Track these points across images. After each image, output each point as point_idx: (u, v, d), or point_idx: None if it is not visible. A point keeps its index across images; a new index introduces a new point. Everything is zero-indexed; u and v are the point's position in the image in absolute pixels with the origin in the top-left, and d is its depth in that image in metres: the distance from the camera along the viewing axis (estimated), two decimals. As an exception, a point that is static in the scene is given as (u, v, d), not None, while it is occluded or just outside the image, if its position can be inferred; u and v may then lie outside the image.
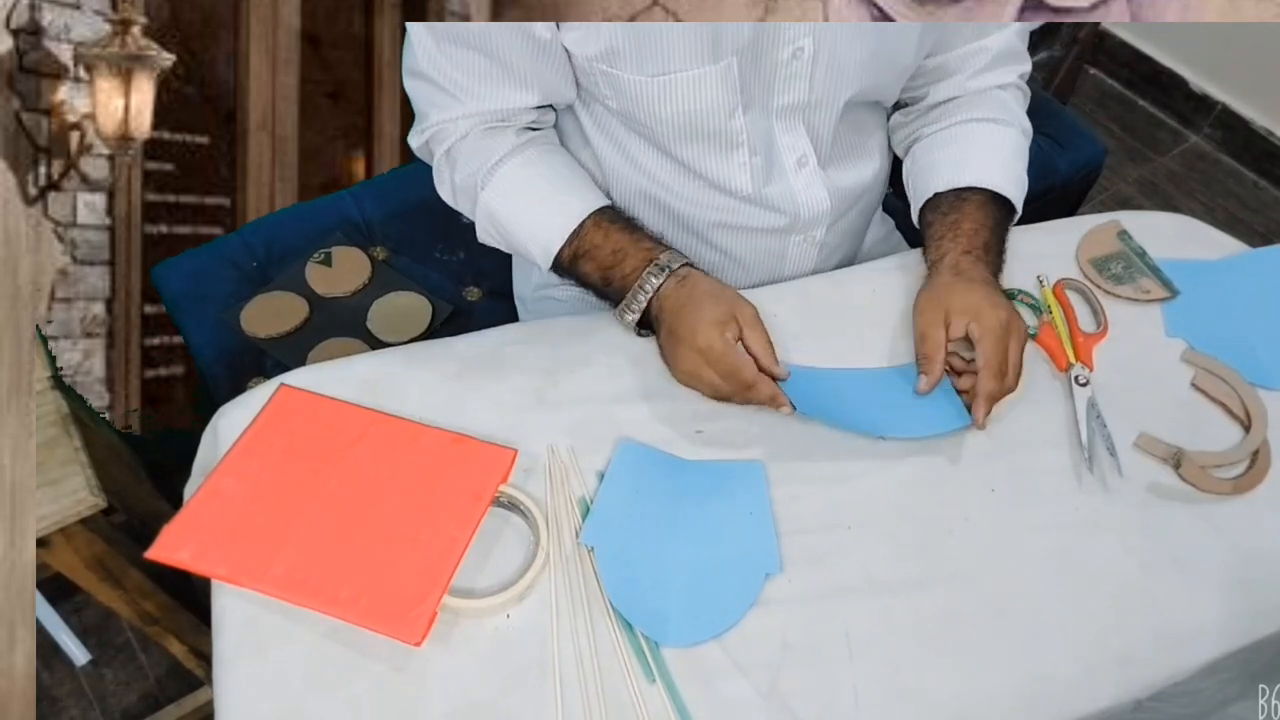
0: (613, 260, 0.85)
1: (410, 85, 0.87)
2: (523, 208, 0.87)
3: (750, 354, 0.80)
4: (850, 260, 1.07)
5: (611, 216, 0.87)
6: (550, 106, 0.91)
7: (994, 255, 0.89)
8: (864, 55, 0.83)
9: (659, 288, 0.82)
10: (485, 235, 0.91)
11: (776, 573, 0.72)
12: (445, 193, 0.91)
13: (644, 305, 0.83)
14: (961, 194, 0.91)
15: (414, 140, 0.91)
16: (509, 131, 0.87)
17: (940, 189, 0.91)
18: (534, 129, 0.90)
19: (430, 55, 0.83)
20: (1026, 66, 0.96)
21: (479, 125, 0.87)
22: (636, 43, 0.77)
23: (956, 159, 0.92)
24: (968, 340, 0.82)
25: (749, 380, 0.79)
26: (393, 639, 0.67)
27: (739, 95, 0.82)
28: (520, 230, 0.87)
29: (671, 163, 0.89)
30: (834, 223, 0.96)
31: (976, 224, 0.89)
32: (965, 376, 0.83)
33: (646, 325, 0.85)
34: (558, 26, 0.78)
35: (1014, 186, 0.91)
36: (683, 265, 0.83)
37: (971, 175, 0.91)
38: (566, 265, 0.87)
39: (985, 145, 0.92)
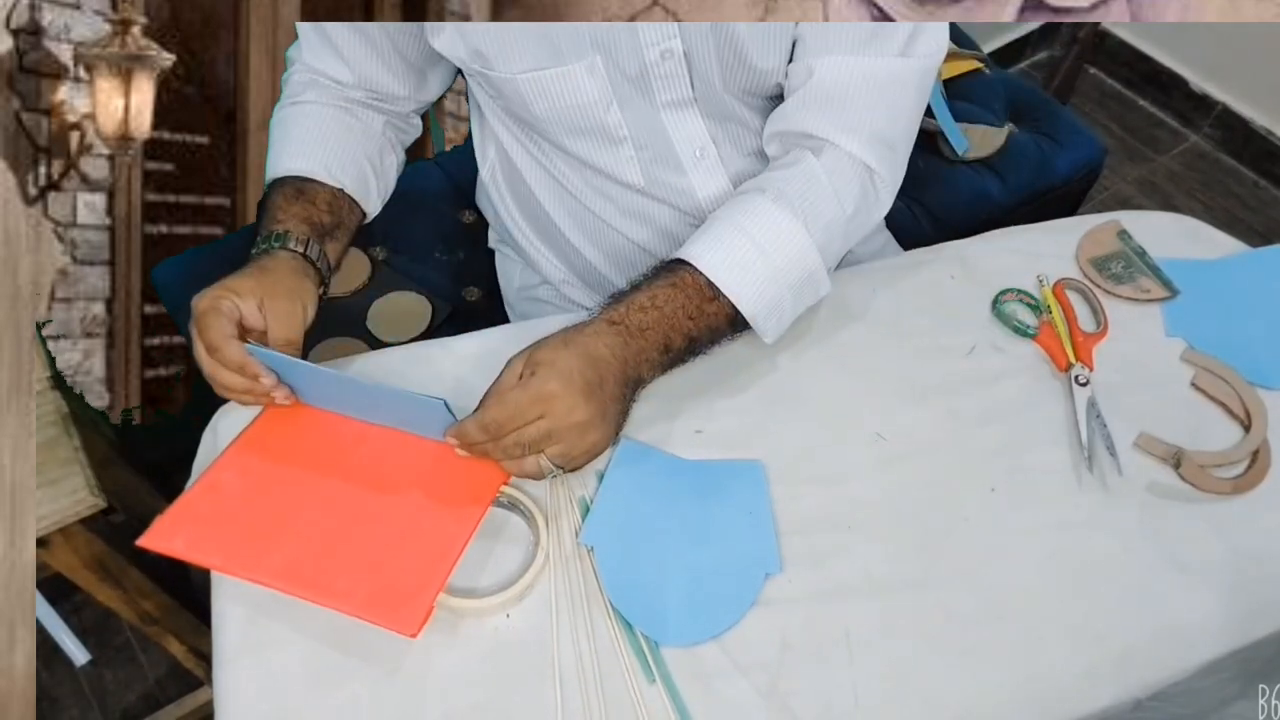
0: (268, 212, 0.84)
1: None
2: (289, 132, 0.87)
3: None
4: (845, 262, 1.06)
5: (296, 185, 0.85)
6: (393, 97, 0.92)
7: (668, 335, 0.75)
8: (727, 61, 0.81)
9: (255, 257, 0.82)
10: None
11: (776, 573, 0.72)
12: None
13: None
14: (676, 264, 0.77)
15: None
16: (313, 90, 0.90)
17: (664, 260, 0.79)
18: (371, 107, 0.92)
19: (305, 28, 0.89)
20: (856, 146, 0.79)
21: (311, 91, 0.89)
22: (500, 43, 0.78)
23: (698, 231, 0.79)
24: None
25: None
26: (388, 630, 0.66)
27: (610, 91, 0.82)
28: (277, 144, 0.88)
29: (567, 156, 0.90)
30: None
31: (675, 292, 0.75)
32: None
33: None
34: (424, 29, 0.81)
35: (735, 275, 0.75)
36: (277, 251, 0.80)
37: (686, 250, 0.77)
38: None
39: (732, 223, 0.77)
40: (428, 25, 0.81)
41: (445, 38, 0.81)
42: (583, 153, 0.88)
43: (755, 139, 0.91)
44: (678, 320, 0.75)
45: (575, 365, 0.70)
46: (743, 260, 0.76)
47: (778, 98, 0.86)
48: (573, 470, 0.73)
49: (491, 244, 1.17)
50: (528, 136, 0.92)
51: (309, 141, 0.86)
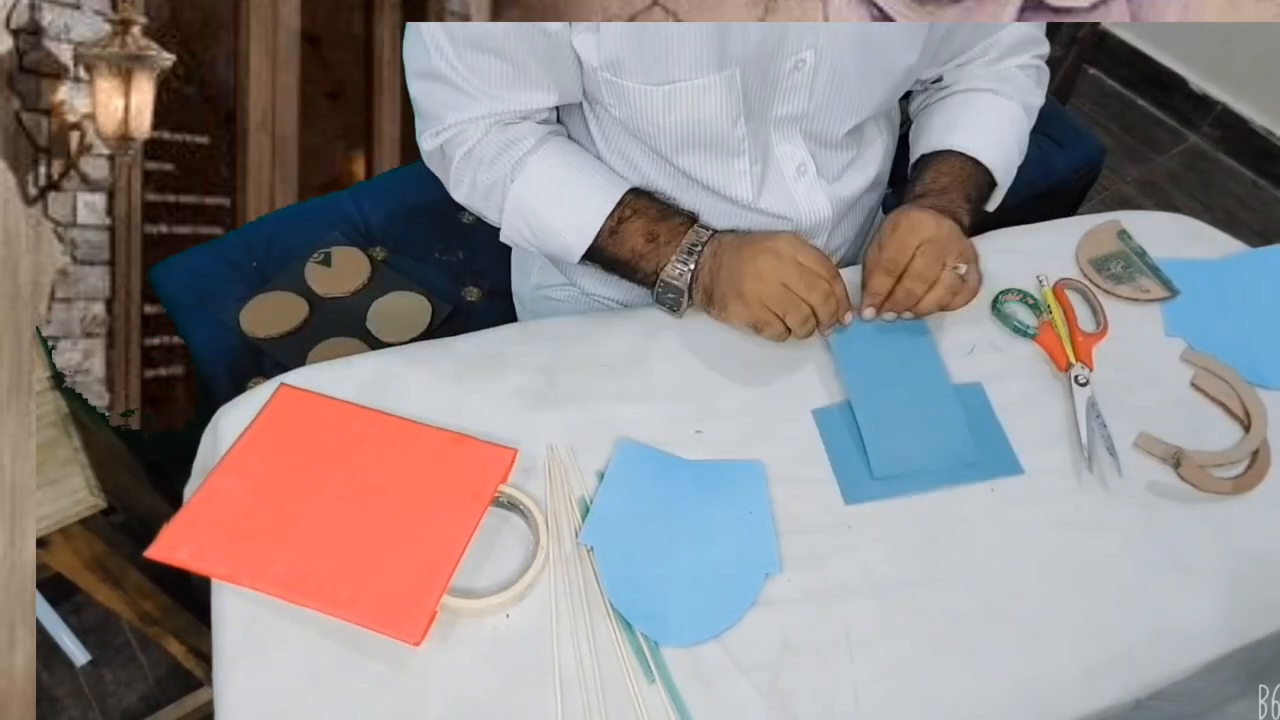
0: (648, 238, 0.85)
1: (421, 87, 0.85)
2: (556, 195, 0.86)
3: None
4: (851, 261, 1.07)
5: (646, 197, 0.87)
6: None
7: (965, 209, 0.89)
8: (864, 68, 0.83)
9: (702, 251, 0.84)
10: (513, 230, 0.89)
11: (776, 572, 0.72)
12: (464, 194, 0.90)
13: (689, 270, 0.84)
14: (945, 157, 0.92)
15: (427, 143, 0.89)
16: (527, 125, 0.87)
17: (925, 152, 0.93)
18: (548, 122, 0.91)
19: (447, 57, 0.81)
20: (1044, 49, 0.97)
21: (497, 123, 0.86)
22: (640, 52, 0.77)
23: (945, 125, 0.93)
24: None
25: (832, 270, 0.82)
26: (392, 638, 0.67)
27: (741, 105, 0.82)
28: (555, 217, 0.86)
29: (674, 171, 0.89)
30: (834, 229, 0.97)
31: (952, 180, 0.90)
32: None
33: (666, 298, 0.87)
34: (570, 27, 0.78)
35: (997, 154, 0.92)
36: (716, 234, 0.85)
37: (950, 141, 0.92)
38: (601, 248, 0.87)
39: (976, 113, 0.93)
40: (573, 25, 0.78)
41: (583, 39, 0.78)
42: (693, 167, 0.87)
43: (849, 159, 0.95)
44: (964, 185, 0.90)
45: (916, 210, 0.83)
46: (994, 136, 0.93)
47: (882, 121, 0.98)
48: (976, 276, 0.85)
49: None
50: (631, 146, 0.90)
51: (602, 166, 0.89)
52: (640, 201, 0.86)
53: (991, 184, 0.93)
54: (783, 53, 0.79)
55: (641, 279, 0.87)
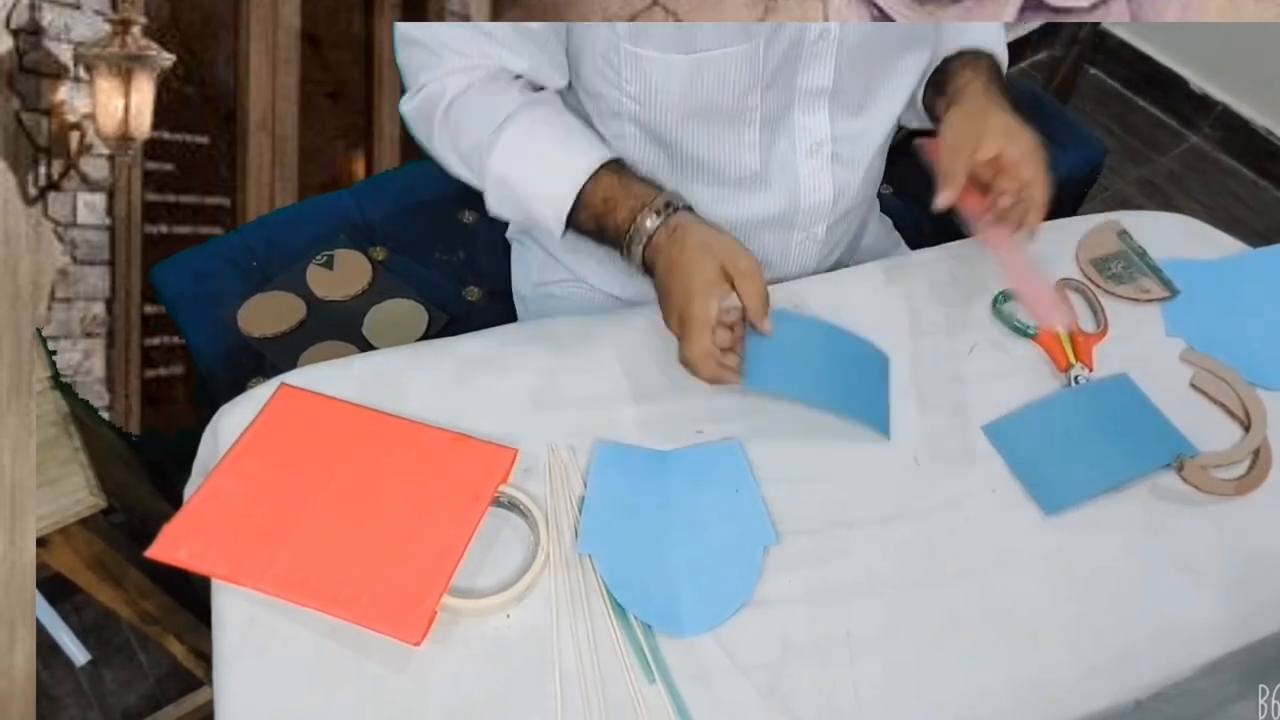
0: (604, 209, 0.81)
1: (402, 53, 0.86)
2: (531, 170, 0.83)
3: (742, 302, 0.77)
4: (848, 260, 1.07)
5: (614, 169, 0.82)
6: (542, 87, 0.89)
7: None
8: (886, 47, 0.85)
9: (651, 235, 0.79)
10: (497, 204, 0.87)
11: (774, 543, 0.73)
12: (450, 159, 0.88)
13: (639, 255, 0.80)
14: (963, 58, 0.92)
15: (406, 104, 0.88)
16: (511, 90, 0.84)
17: (949, 53, 0.93)
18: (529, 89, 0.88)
19: (423, 25, 0.84)
20: None
21: (476, 79, 0.84)
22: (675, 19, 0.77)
23: (960, 34, 0.94)
24: (992, 165, 0.83)
25: (715, 372, 0.76)
26: (393, 639, 0.67)
27: (760, 76, 0.81)
28: (531, 193, 0.83)
29: (673, 157, 0.89)
30: (836, 220, 0.96)
31: (989, 72, 0.90)
32: (982, 201, 0.85)
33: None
34: None
35: (999, 46, 0.95)
36: (676, 211, 0.80)
37: (976, 41, 0.93)
38: (577, 226, 0.84)
39: (979, 29, 0.95)
40: None
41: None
42: (698, 141, 0.86)
43: (866, 153, 0.93)
44: (998, 81, 0.91)
45: (1021, 123, 0.85)
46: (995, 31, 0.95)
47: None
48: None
49: (511, 236, 1.16)
50: (630, 140, 0.89)
51: (581, 137, 0.84)
52: (596, 188, 0.81)
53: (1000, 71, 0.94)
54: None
55: (610, 243, 0.83)
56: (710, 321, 0.75)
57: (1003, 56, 0.95)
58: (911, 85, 0.93)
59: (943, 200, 0.82)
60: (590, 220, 0.82)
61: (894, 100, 0.92)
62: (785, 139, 0.89)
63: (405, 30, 0.85)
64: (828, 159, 0.91)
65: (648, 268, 0.81)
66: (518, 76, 0.85)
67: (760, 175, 0.90)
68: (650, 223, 0.79)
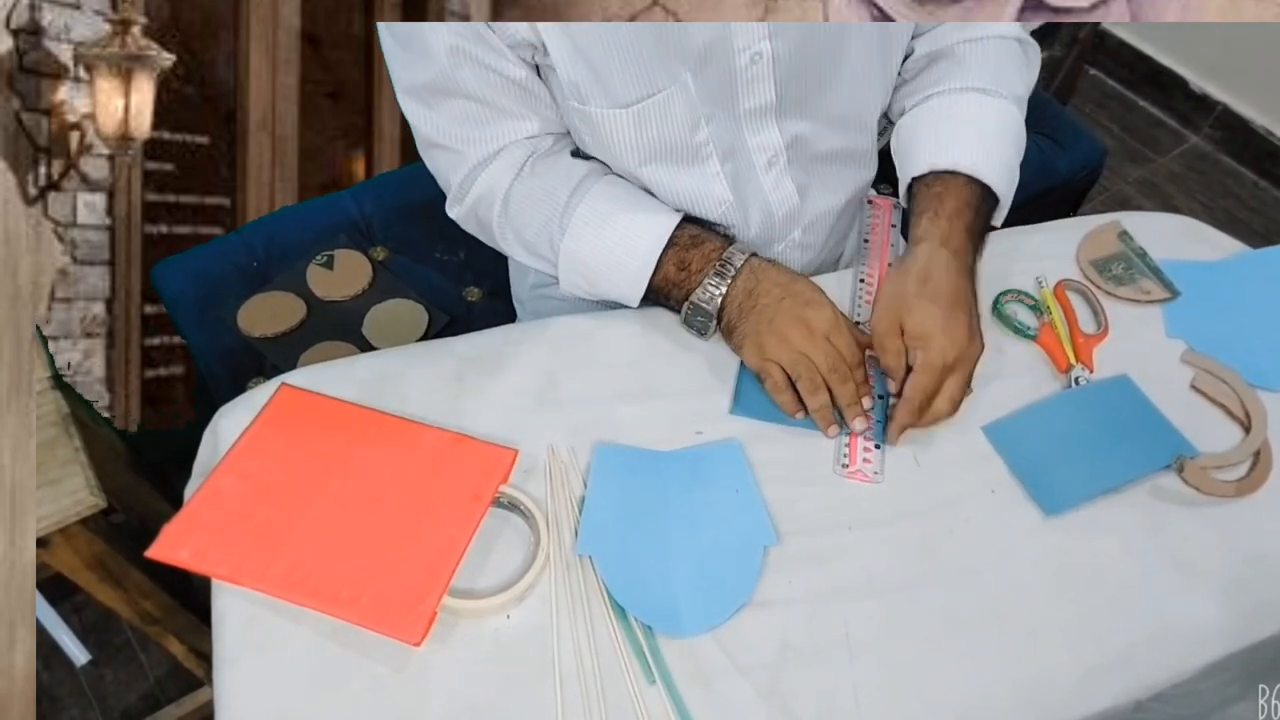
0: (679, 266, 0.84)
1: (429, 159, 0.89)
2: (608, 244, 0.85)
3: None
4: (835, 261, 1.06)
5: (688, 231, 0.86)
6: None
7: (975, 241, 0.86)
8: (830, 50, 0.82)
9: (737, 274, 0.82)
10: (570, 284, 0.90)
11: (774, 543, 0.73)
12: (516, 250, 0.91)
13: (720, 295, 0.82)
14: (942, 179, 0.87)
15: (455, 209, 0.91)
16: (555, 167, 0.87)
17: (919, 173, 0.88)
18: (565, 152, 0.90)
19: (431, 121, 0.84)
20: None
21: (513, 162, 0.86)
22: (596, 76, 0.78)
23: (937, 139, 0.88)
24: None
25: (859, 359, 0.81)
26: (393, 639, 0.67)
27: (700, 109, 0.82)
28: (610, 269, 0.86)
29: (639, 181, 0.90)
30: (811, 222, 0.96)
31: (960, 203, 0.85)
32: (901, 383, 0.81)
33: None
34: (544, 49, 0.78)
35: (996, 168, 0.86)
36: (738, 272, 0.83)
37: (949, 159, 0.86)
38: (654, 294, 0.87)
39: (968, 122, 0.88)
40: (542, 58, 0.80)
41: (550, 71, 0.81)
42: (666, 183, 0.87)
43: (825, 142, 0.91)
44: (966, 216, 0.86)
45: (945, 316, 0.79)
46: (995, 150, 0.87)
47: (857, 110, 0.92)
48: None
49: None
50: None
51: (646, 203, 0.87)
52: (678, 231, 0.85)
53: (994, 200, 0.88)
54: (733, 49, 0.79)
55: (674, 305, 0.86)
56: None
57: (989, 171, 0.86)
58: (859, 63, 0.87)
59: (894, 388, 0.82)
60: (660, 281, 0.85)
61: (842, 86, 0.87)
62: (744, 161, 0.88)
63: (426, 136, 0.86)
64: (785, 166, 0.90)
65: (726, 313, 0.83)
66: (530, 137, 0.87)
67: (736, 203, 0.90)
68: (724, 270, 0.83)
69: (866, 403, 0.80)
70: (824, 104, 0.87)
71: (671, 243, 0.84)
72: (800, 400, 0.80)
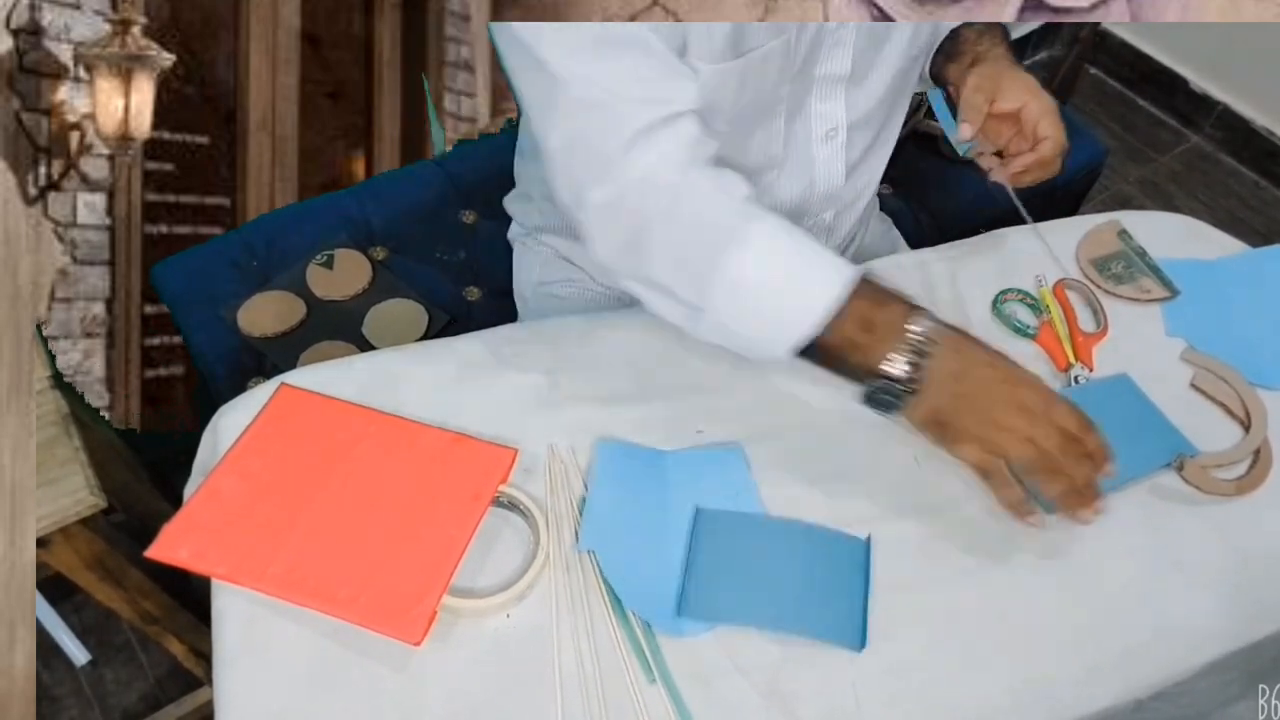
0: (864, 326, 0.69)
1: (571, 131, 0.72)
2: (783, 270, 0.72)
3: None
4: (848, 259, 1.06)
5: (870, 284, 0.72)
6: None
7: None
8: (897, 32, 0.84)
9: (934, 352, 0.69)
10: (716, 312, 0.73)
11: None
12: (662, 262, 0.73)
13: (918, 375, 0.69)
14: (977, 25, 0.91)
15: (597, 193, 0.72)
16: (729, 185, 0.74)
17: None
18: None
19: (591, 78, 0.69)
20: None
21: (682, 143, 0.72)
22: (709, 32, 0.73)
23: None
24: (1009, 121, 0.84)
25: (1084, 422, 0.70)
26: (392, 639, 0.66)
27: (793, 66, 0.81)
28: (779, 302, 0.71)
29: None
30: (844, 207, 0.97)
31: (1004, 33, 0.90)
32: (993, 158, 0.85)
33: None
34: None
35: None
36: (942, 326, 0.71)
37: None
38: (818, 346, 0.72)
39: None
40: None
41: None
42: (733, 138, 0.82)
43: (879, 137, 0.94)
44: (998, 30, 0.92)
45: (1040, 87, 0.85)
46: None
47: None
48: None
49: (513, 237, 1.15)
50: None
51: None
52: (862, 283, 0.71)
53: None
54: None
55: (848, 371, 0.71)
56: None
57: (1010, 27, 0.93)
58: (919, 66, 0.92)
59: (964, 131, 0.82)
60: (837, 339, 0.70)
61: (906, 81, 0.91)
62: (802, 125, 0.88)
63: (574, 94, 0.70)
64: (841, 145, 0.91)
65: (924, 398, 0.70)
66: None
67: (779, 160, 0.90)
68: (920, 348, 0.69)
69: (1110, 468, 0.70)
70: (887, 91, 0.89)
71: (855, 292, 0.70)
72: (1023, 492, 0.71)
